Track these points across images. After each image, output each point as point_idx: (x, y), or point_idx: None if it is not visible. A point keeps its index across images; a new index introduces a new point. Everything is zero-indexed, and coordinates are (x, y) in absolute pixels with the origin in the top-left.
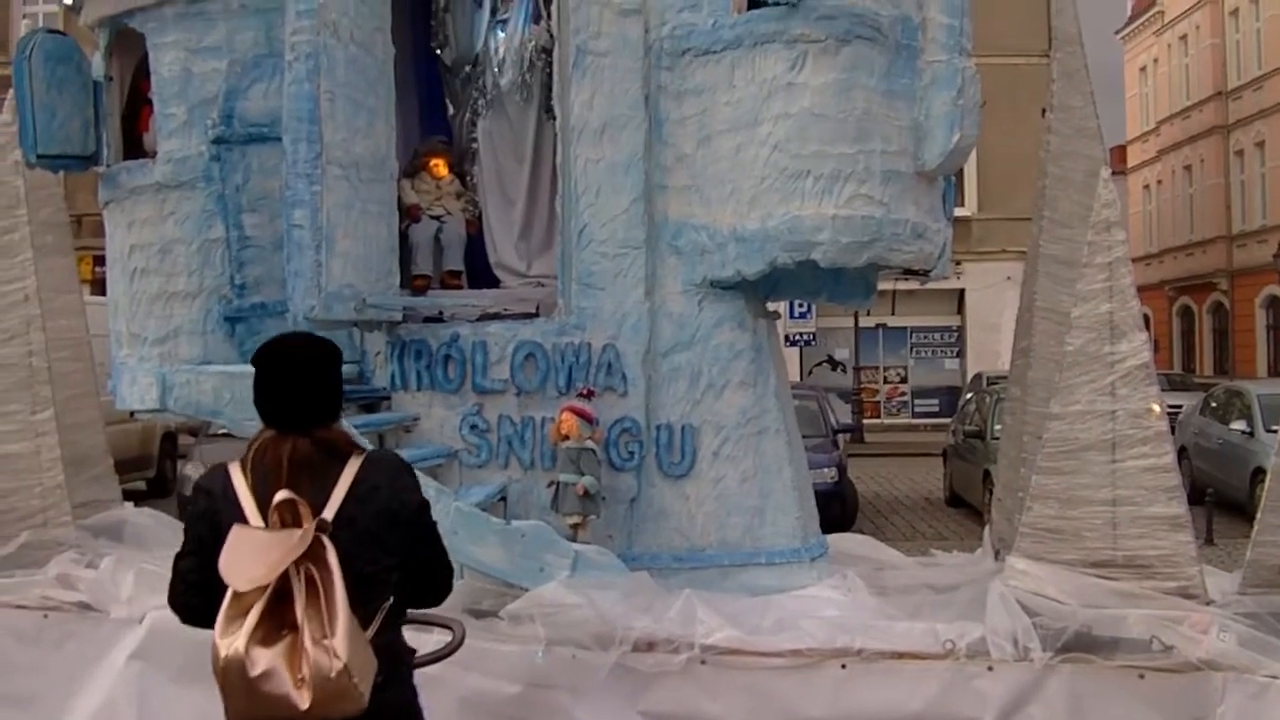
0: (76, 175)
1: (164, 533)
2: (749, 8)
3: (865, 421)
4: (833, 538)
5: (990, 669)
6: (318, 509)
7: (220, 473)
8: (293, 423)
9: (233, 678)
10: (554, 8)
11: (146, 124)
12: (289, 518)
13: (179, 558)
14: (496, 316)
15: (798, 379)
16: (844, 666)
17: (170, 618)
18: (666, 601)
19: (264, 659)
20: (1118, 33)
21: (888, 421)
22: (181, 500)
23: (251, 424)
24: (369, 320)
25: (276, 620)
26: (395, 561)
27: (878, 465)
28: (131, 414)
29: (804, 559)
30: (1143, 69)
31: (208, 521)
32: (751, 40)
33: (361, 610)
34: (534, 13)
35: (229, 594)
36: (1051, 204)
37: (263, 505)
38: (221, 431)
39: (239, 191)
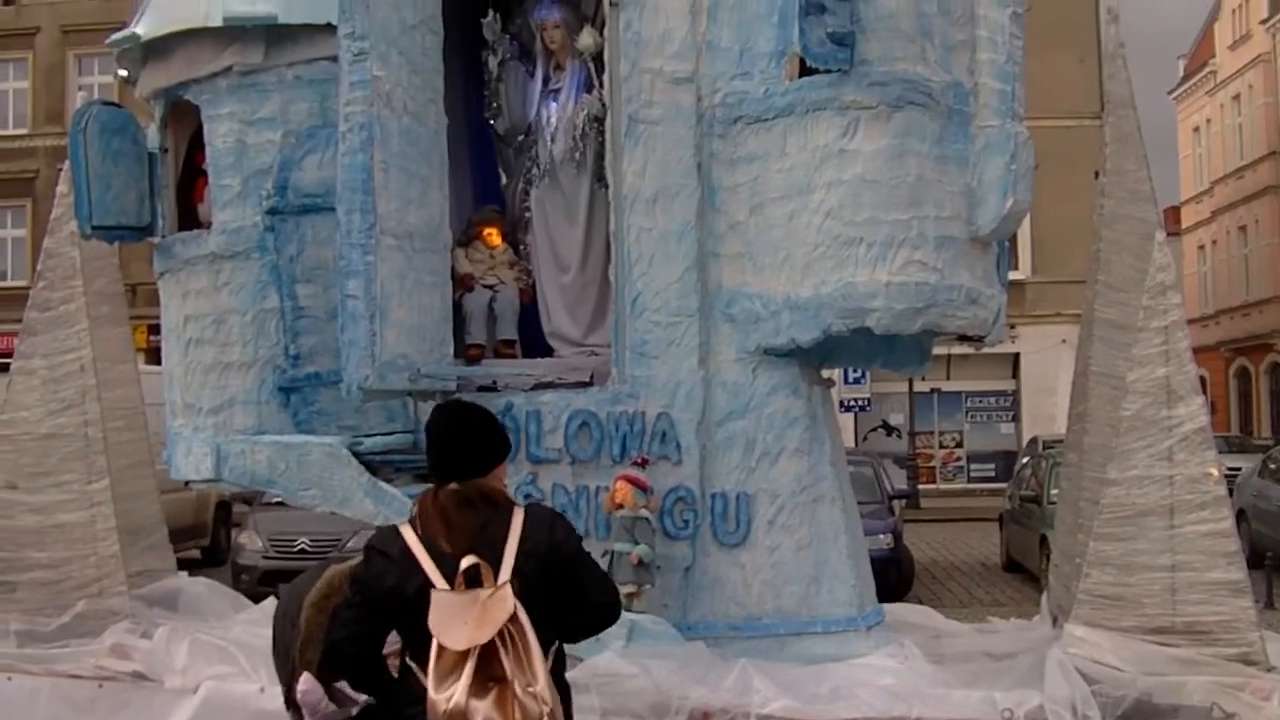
0: (132, 245)
1: (219, 602)
2: (800, 75)
3: (921, 487)
4: (888, 608)
5: None
6: (492, 563)
7: (391, 535)
8: (452, 471)
9: None
10: (606, 77)
11: (201, 195)
12: (473, 577)
13: (344, 606)
14: (550, 386)
15: (853, 445)
16: None
17: (223, 688)
18: (722, 671)
19: (481, 709)
20: (1170, 93)
21: (943, 486)
22: (235, 569)
23: (306, 494)
24: (423, 390)
25: (482, 674)
26: (558, 604)
27: (933, 531)
28: (186, 483)
29: (860, 627)
30: (1196, 129)
31: (385, 581)
32: (803, 107)
33: None
34: (586, 82)
35: (434, 653)
36: (1106, 268)
37: (435, 558)
38: (276, 500)
39: (293, 262)
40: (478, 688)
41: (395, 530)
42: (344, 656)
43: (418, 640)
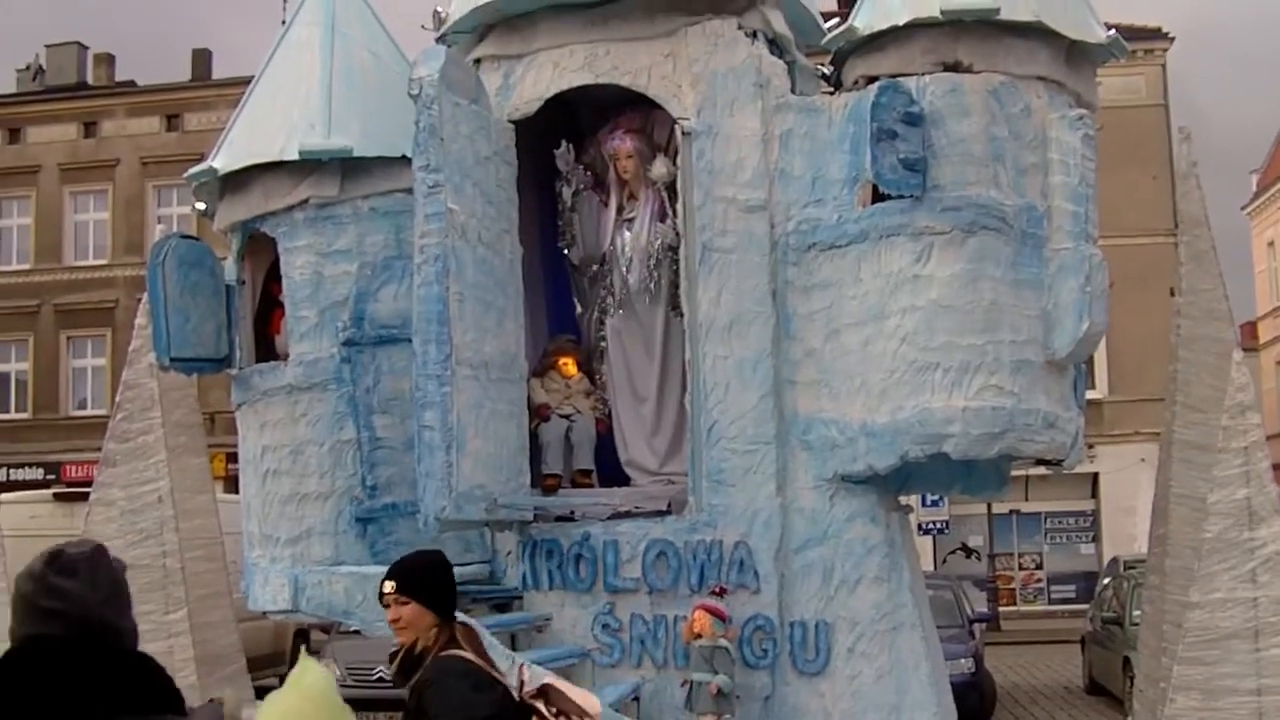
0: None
1: None
2: (873, 201)
3: (1001, 609)
4: None
5: None
6: None
7: (463, 661)
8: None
9: None
10: (679, 206)
11: (278, 327)
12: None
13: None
14: (628, 515)
15: (932, 568)
16: None
17: None
18: None
19: None
20: (1244, 208)
21: (1024, 608)
22: None
23: (383, 625)
24: (500, 520)
25: None
26: None
27: (1015, 654)
28: (264, 612)
29: None
30: (1270, 244)
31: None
32: (877, 233)
33: None
34: (659, 211)
35: None
36: (1184, 388)
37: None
38: (353, 629)
39: (370, 393)
40: None
41: (459, 658)
42: None
43: None
